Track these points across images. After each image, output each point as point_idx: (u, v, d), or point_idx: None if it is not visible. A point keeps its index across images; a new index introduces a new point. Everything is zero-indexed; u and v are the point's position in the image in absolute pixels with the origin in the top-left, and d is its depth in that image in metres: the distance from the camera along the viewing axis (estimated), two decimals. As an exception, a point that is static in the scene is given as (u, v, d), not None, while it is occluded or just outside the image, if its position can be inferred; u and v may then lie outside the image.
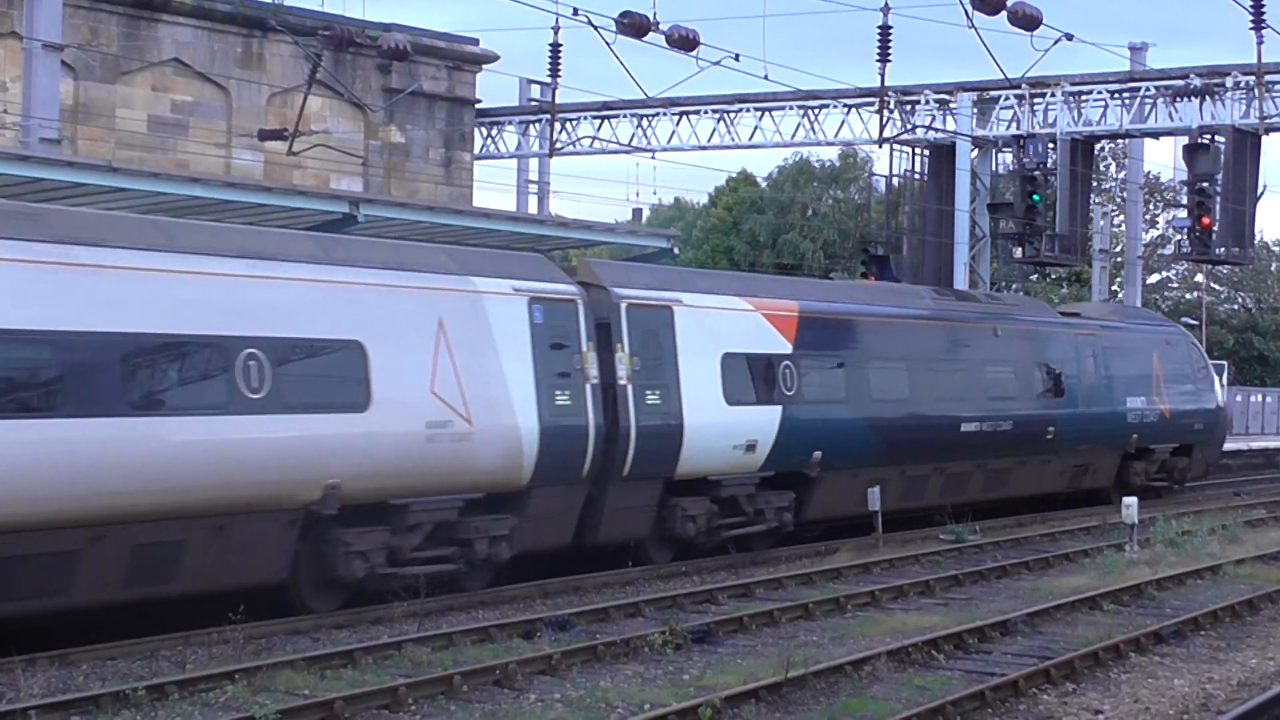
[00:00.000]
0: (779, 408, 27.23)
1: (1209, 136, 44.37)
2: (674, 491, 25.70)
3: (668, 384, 25.13)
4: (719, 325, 26.46)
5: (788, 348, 27.73)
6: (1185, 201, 45.50)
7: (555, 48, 43.26)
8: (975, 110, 48.64)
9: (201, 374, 19.00)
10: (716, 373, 26.12)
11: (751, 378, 26.94)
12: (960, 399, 32.17)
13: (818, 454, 28.02)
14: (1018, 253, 45.98)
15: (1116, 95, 46.97)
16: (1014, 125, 47.77)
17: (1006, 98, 47.82)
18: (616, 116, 52.45)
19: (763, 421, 26.96)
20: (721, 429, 26.07)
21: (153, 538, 18.27)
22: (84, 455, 17.48)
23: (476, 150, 54.50)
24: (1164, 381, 39.05)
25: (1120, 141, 59.48)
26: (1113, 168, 77.76)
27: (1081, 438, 36.06)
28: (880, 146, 49.17)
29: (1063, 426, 35.23)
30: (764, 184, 79.41)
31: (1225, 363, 68.52)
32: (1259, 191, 45.94)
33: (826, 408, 28.51)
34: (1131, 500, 29.26)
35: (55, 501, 17.25)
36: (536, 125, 54.06)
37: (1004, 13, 31.20)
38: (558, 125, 51.70)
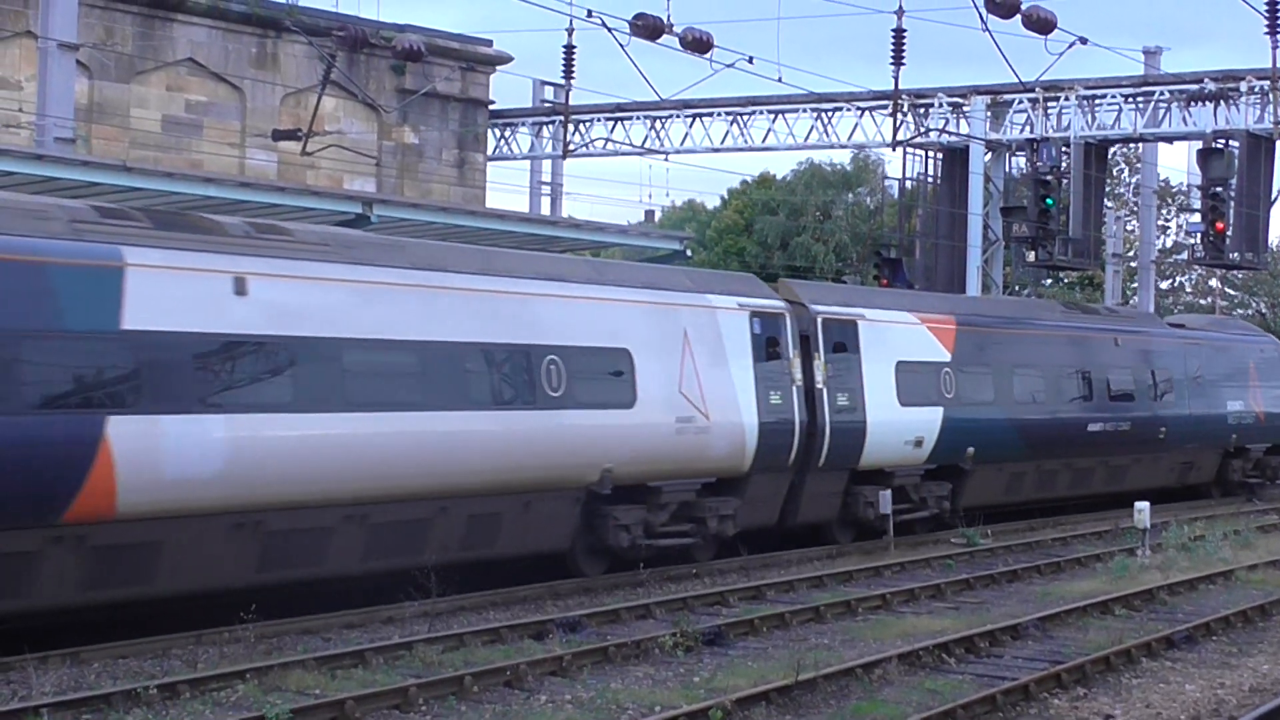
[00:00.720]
0: (941, 409, 31.20)
1: (1223, 141, 44.27)
2: (856, 481, 29.57)
3: (854, 387, 29.14)
4: (893, 337, 30.54)
5: (948, 356, 31.82)
6: (1199, 206, 45.40)
7: (569, 49, 43.23)
8: (989, 113, 48.58)
9: (517, 376, 23.06)
10: (892, 378, 30.13)
11: (919, 382, 30.81)
12: (1087, 402, 36.02)
13: (971, 449, 31.88)
14: (1030, 256, 45.89)
15: (1130, 99, 46.89)
16: (1027, 129, 47.69)
17: (1020, 101, 47.76)
18: (630, 118, 52.44)
19: (928, 420, 30.92)
20: (896, 427, 30.09)
21: (482, 510, 22.50)
22: (436, 442, 21.57)
23: (490, 151, 54.52)
24: (1259, 387, 42.75)
25: (1134, 146, 59.36)
26: (1126, 172, 77.61)
27: (1189, 437, 39.70)
28: (893, 149, 49.11)
29: (1173, 427, 38.86)
30: (777, 186, 79.33)
31: None
32: (1273, 196, 45.83)
33: (978, 409, 32.35)
34: (1144, 505, 29.26)
35: (415, 479, 21.32)
36: (550, 126, 54.07)
37: (1018, 16, 31.16)
38: (571, 127, 51.67)
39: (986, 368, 32.90)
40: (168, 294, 18.93)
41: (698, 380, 25.68)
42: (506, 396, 22.88)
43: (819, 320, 28.66)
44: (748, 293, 27.74)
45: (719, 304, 26.67)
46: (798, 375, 27.71)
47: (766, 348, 27.16)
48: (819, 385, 28.23)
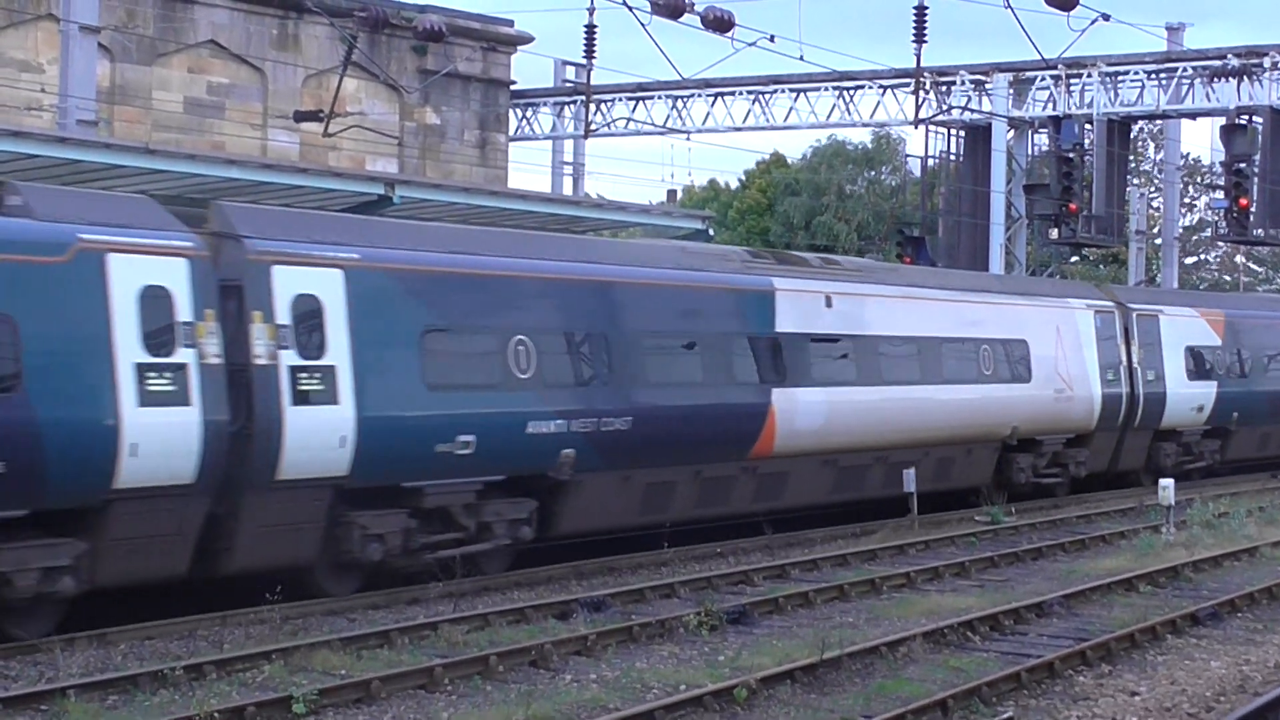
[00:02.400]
0: (1214, 383, 39.70)
1: (1247, 117, 44.12)
2: (1158, 439, 38.10)
3: (1157, 366, 37.50)
4: (1183, 328, 38.97)
5: (1219, 342, 40.28)
6: (1223, 183, 45.25)
7: (590, 29, 43.13)
8: (1011, 91, 48.45)
9: (966, 361, 31.84)
10: (1182, 359, 38.54)
11: (1200, 363, 39.35)
12: None
13: (1235, 414, 40.34)
14: (1053, 234, 45.82)
15: (1153, 76, 46.74)
16: (1050, 106, 47.57)
17: (1043, 78, 47.63)
18: (651, 98, 52.37)
19: (1206, 392, 39.38)
20: (1186, 397, 38.52)
21: (944, 455, 31.35)
22: (926, 407, 30.47)
23: (511, 132, 54.48)
24: None
25: (1157, 122, 59.17)
26: (1150, 149, 77.36)
27: None
28: (916, 127, 48.98)
29: None
30: (796, 165, 79.18)
31: None
32: (1297, 172, 45.67)
33: (1238, 382, 40.67)
34: (1168, 482, 29.21)
35: (915, 433, 30.28)
36: (571, 107, 54.02)
37: (1041, -8, 31.08)
38: (592, 107, 51.64)
39: (1244, 351, 41.34)
40: (794, 308, 27.77)
41: (1065, 362, 34.53)
42: (963, 375, 31.69)
43: (1133, 315, 37.30)
44: (1089, 296, 37.12)
45: (1075, 305, 35.69)
46: (1123, 358, 36.36)
47: (1103, 337, 35.77)
48: (1135, 365, 36.77)
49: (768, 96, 51.15)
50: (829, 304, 28.49)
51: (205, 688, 15.62)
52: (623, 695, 15.61)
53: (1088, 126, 45.91)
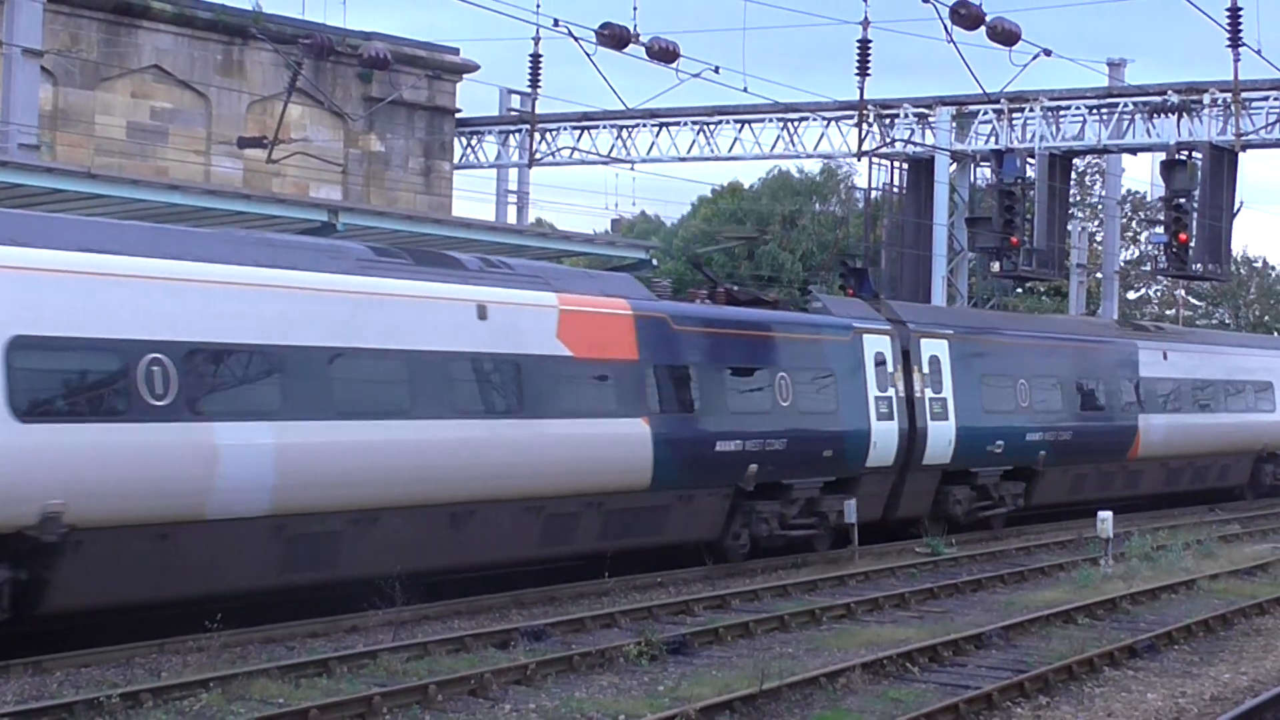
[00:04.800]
0: None
1: (1186, 153, 44.49)
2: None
3: None
4: None
5: None
6: (1163, 218, 45.58)
7: (535, 58, 43.29)
8: (954, 124, 48.71)
9: (1222, 396, 43.43)
10: None
11: None
12: None
13: None
14: (995, 267, 46.07)
15: (1095, 111, 47.08)
16: (992, 140, 47.85)
17: (985, 112, 47.92)
18: (596, 127, 52.42)
19: None
20: None
21: (1205, 464, 42.90)
22: (1200, 433, 42.19)
23: (456, 160, 54.46)
24: None
25: (1100, 157, 59.58)
26: (1098, 185, 77.88)
27: None
28: (859, 160, 49.23)
29: None
30: (745, 194, 79.38)
31: None
32: (1235, 208, 46.08)
33: None
34: (1106, 514, 29.39)
35: (1207, 446, 43.03)
36: (516, 135, 54.04)
37: (983, 28, 31.27)
38: (537, 135, 51.68)
39: None
40: (1149, 360, 41.11)
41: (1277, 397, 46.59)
42: (1239, 406, 44.10)
43: None
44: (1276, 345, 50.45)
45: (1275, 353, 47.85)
46: None
47: None
48: None
49: (712, 127, 51.29)
50: (1165, 357, 41.28)
51: (142, 716, 15.54)
52: (562, 725, 15.59)
53: (1029, 160, 46.20)
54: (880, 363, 30.88)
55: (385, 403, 21.54)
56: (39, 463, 17.63)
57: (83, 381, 18.55)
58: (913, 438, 31.35)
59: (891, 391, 31.05)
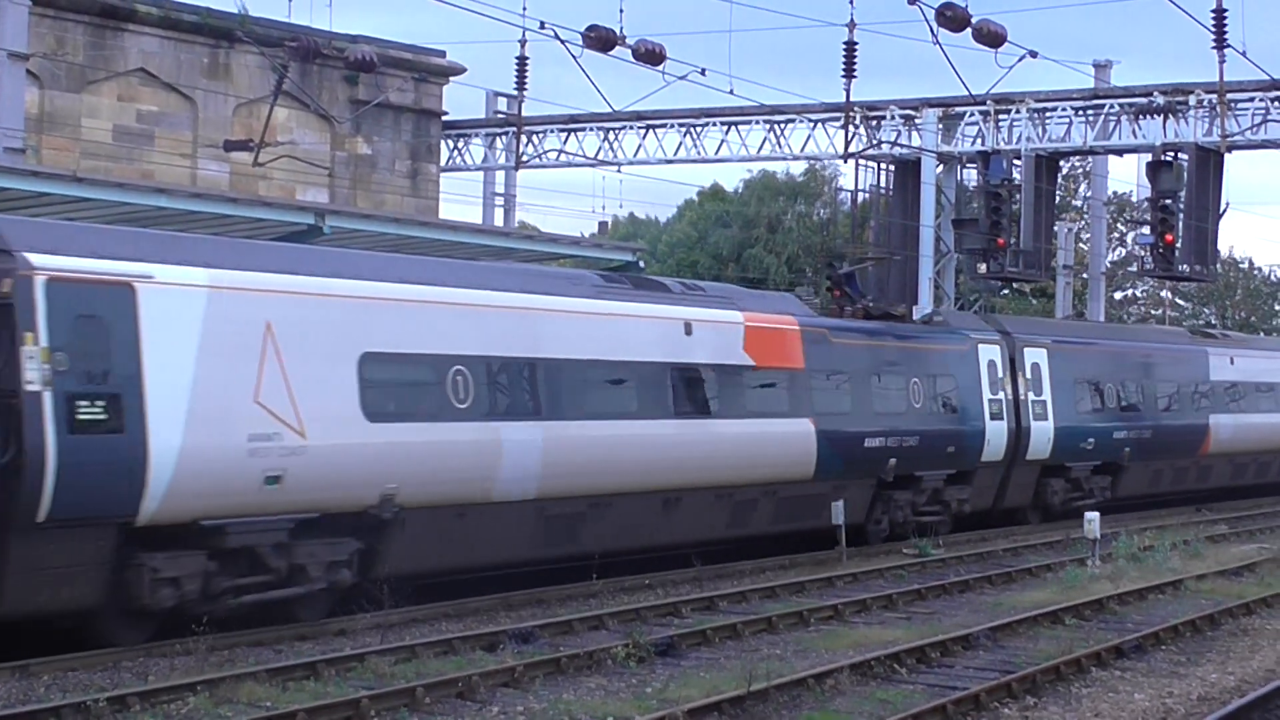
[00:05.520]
0: None
1: (1172, 154, 44.55)
2: None
3: None
4: None
5: None
6: (1149, 219, 45.64)
7: (522, 61, 43.29)
8: (940, 126, 48.76)
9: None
10: None
11: None
12: None
13: None
14: (982, 268, 46.11)
15: (1081, 112, 47.14)
16: (979, 141, 47.91)
17: (971, 114, 47.97)
18: (583, 130, 52.41)
19: None
20: None
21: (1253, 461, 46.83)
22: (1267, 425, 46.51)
23: (442, 162, 54.43)
24: None
25: (1085, 158, 59.66)
26: (1083, 186, 77.93)
27: None
28: (845, 162, 49.25)
29: None
30: (731, 197, 79.45)
31: None
32: (1221, 209, 46.16)
33: None
34: (1094, 515, 29.43)
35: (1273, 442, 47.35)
36: (503, 138, 54.03)
37: (969, 30, 31.32)
38: (524, 138, 51.71)
39: None
40: (1218, 364, 44.64)
41: None
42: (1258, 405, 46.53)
43: None
44: None
45: None
46: None
47: None
48: None
49: (699, 129, 51.29)
50: (1232, 362, 44.86)
51: (129, 720, 15.52)
52: (550, 727, 15.59)
53: (1016, 162, 46.26)
54: (992, 369, 35.14)
55: (618, 406, 25.86)
56: (381, 455, 21.56)
57: (409, 389, 22.68)
58: (1018, 435, 35.66)
59: (1001, 395, 35.20)
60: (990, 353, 35.26)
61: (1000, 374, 35.27)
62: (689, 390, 27.20)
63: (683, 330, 27.08)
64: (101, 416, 18.53)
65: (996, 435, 34.85)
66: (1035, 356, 36.69)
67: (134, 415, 18.76)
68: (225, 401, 19.77)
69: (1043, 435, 36.50)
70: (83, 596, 18.59)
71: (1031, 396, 36.22)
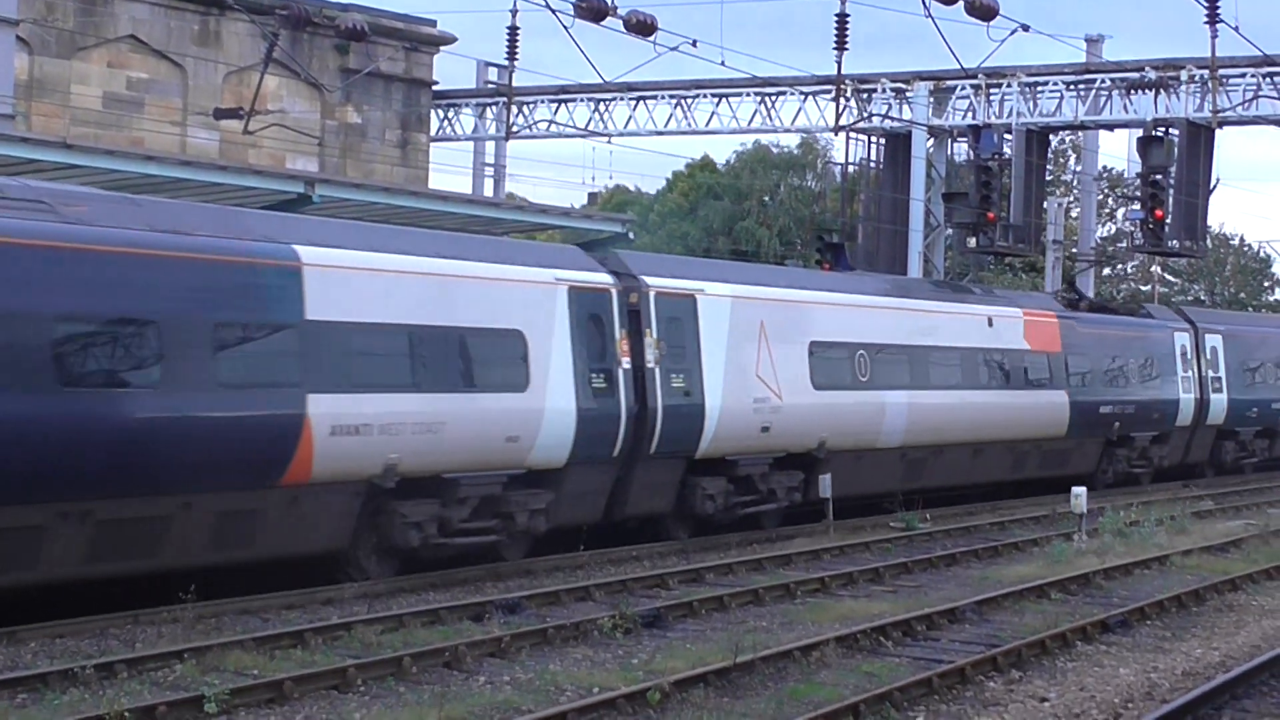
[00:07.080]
0: None
1: (1163, 129, 44.53)
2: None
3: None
4: None
5: None
6: (1139, 194, 45.66)
7: (513, 31, 43.13)
8: (931, 99, 48.75)
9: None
10: None
11: None
12: None
13: None
14: (971, 242, 46.10)
15: (1072, 87, 47.14)
16: (970, 115, 47.89)
17: (963, 88, 47.97)
18: (573, 100, 52.38)
19: None
20: None
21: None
22: None
23: (433, 132, 54.37)
24: None
25: (1077, 133, 59.66)
26: (1073, 160, 77.91)
27: None
28: (836, 134, 49.29)
29: None
30: (722, 170, 79.30)
31: None
32: (1212, 184, 46.18)
33: None
34: (1080, 490, 29.48)
35: None
36: (493, 108, 53.98)
37: (961, 3, 31.24)
38: (514, 108, 51.59)
39: None
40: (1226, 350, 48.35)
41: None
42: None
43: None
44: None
45: None
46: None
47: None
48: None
49: (690, 101, 51.25)
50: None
51: (116, 687, 15.52)
52: (536, 697, 15.62)
53: (1007, 136, 46.23)
54: (1184, 352, 43.41)
55: (948, 379, 34.01)
56: (820, 413, 29.88)
57: (835, 365, 30.48)
58: (1202, 405, 44.11)
59: (1190, 372, 43.56)
60: (1182, 338, 43.65)
61: (1190, 355, 43.62)
62: (992, 368, 35.75)
63: (987, 323, 35.66)
64: (681, 385, 26.65)
65: (1187, 405, 43.31)
66: (1213, 341, 45.09)
67: (696, 384, 26.90)
68: (741, 376, 27.90)
69: (1219, 405, 45.08)
70: (665, 504, 27.29)
71: (1210, 374, 44.77)
